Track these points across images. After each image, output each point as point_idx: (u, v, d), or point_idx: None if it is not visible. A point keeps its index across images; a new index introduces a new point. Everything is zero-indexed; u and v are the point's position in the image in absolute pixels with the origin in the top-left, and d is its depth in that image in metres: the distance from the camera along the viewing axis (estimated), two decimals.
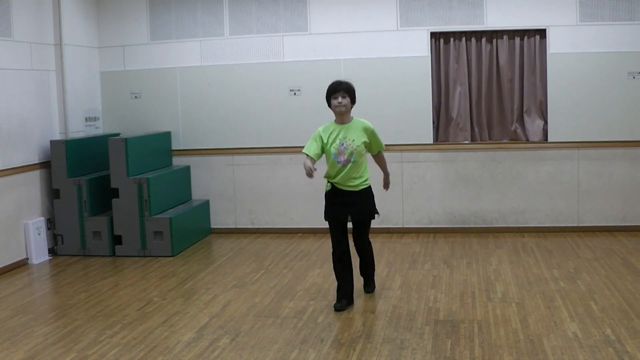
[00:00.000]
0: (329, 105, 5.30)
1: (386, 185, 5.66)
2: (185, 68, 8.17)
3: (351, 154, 5.21)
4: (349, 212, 5.31)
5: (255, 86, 8.08)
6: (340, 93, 5.23)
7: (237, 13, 8.01)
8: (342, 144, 5.21)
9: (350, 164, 5.21)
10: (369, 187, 5.37)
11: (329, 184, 5.32)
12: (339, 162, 5.22)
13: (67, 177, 7.27)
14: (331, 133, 5.26)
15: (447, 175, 7.86)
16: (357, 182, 5.28)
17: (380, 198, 7.85)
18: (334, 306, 5.31)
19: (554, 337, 4.53)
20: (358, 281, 5.64)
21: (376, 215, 5.49)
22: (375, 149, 5.44)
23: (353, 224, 5.44)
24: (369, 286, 5.72)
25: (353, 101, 5.31)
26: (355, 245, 5.54)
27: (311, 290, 5.81)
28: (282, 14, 7.93)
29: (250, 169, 8.17)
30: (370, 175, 5.39)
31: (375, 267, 5.84)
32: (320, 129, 5.32)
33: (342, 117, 5.28)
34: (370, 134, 5.32)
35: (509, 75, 7.76)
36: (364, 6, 7.80)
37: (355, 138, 5.23)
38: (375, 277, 5.82)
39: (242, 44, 8.04)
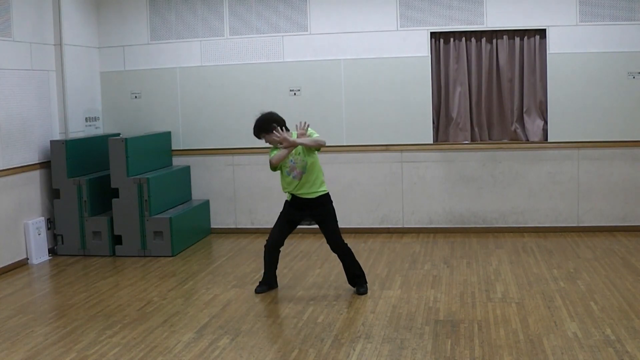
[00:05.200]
0: None
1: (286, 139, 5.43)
2: (185, 68, 8.17)
3: (302, 166, 5.48)
4: (307, 215, 5.62)
5: (255, 86, 8.08)
6: (261, 136, 5.58)
7: (237, 13, 8.01)
8: (292, 161, 5.49)
9: (304, 175, 5.49)
10: (327, 195, 5.62)
11: (289, 194, 5.63)
12: (294, 177, 5.52)
13: (67, 177, 7.27)
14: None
15: (447, 175, 7.86)
16: (314, 188, 5.54)
17: (381, 198, 7.93)
18: (255, 289, 5.81)
19: (554, 337, 4.53)
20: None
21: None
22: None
23: (320, 228, 5.66)
24: (361, 287, 5.69)
25: (271, 130, 5.45)
26: (332, 249, 5.69)
27: (311, 290, 5.81)
28: (282, 14, 7.93)
29: (250, 169, 8.17)
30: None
31: (364, 267, 5.86)
32: (271, 152, 5.57)
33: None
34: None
35: (509, 75, 7.76)
36: (364, 6, 7.80)
37: (300, 151, 5.48)
38: (366, 277, 5.78)
39: (242, 44, 8.04)
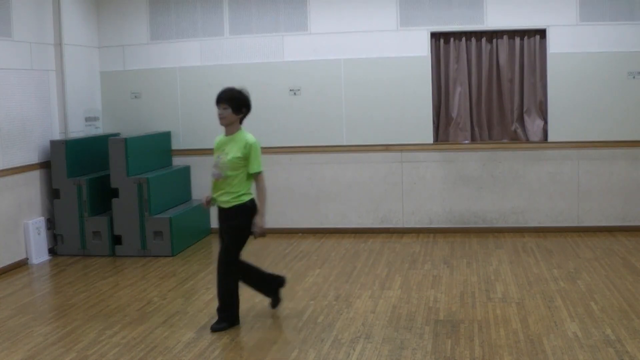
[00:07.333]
0: None
1: (256, 229, 4.86)
2: (185, 68, 8.17)
3: (222, 168, 4.89)
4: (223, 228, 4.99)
5: (255, 86, 8.02)
6: (221, 104, 4.88)
7: (237, 13, 8.01)
8: (219, 157, 4.94)
9: (222, 179, 4.89)
10: (243, 204, 4.89)
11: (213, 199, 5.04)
12: (213, 175, 4.94)
13: (67, 177, 7.27)
14: (218, 144, 5.03)
15: (447, 175, 7.85)
16: (228, 197, 4.89)
17: (381, 198, 7.93)
18: (211, 326, 4.94)
19: (554, 337, 4.53)
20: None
21: (254, 235, 4.95)
22: (250, 169, 4.89)
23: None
24: (271, 299, 5.25)
25: (238, 111, 4.89)
26: (218, 265, 5.01)
27: (311, 290, 5.81)
28: (282, 14, 7.93)
29: None
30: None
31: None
32: (216, 139, 5.09)
33: (226, 128, 4.96)
34: (248, 150, 4.87)
35: (509, 75, 7.76)
36: (364, 6, 7.80)
37: (229, 152, 4.87)
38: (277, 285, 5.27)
39: (242, 44, 8.04)
